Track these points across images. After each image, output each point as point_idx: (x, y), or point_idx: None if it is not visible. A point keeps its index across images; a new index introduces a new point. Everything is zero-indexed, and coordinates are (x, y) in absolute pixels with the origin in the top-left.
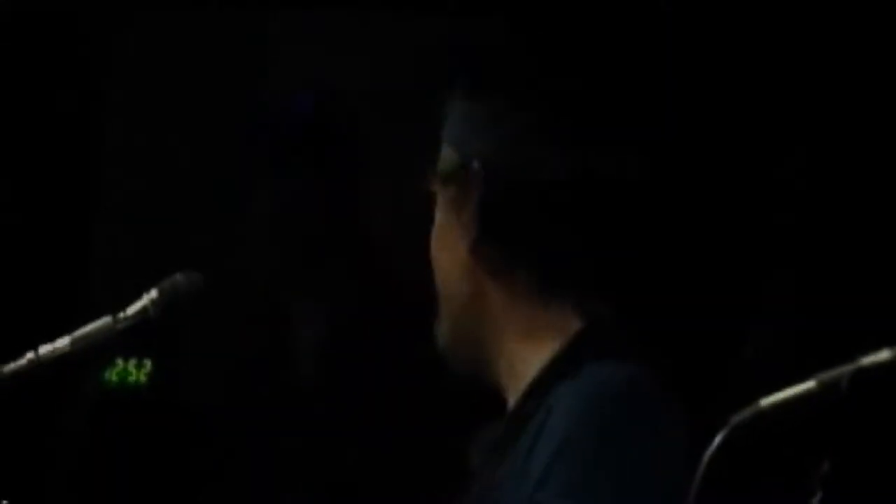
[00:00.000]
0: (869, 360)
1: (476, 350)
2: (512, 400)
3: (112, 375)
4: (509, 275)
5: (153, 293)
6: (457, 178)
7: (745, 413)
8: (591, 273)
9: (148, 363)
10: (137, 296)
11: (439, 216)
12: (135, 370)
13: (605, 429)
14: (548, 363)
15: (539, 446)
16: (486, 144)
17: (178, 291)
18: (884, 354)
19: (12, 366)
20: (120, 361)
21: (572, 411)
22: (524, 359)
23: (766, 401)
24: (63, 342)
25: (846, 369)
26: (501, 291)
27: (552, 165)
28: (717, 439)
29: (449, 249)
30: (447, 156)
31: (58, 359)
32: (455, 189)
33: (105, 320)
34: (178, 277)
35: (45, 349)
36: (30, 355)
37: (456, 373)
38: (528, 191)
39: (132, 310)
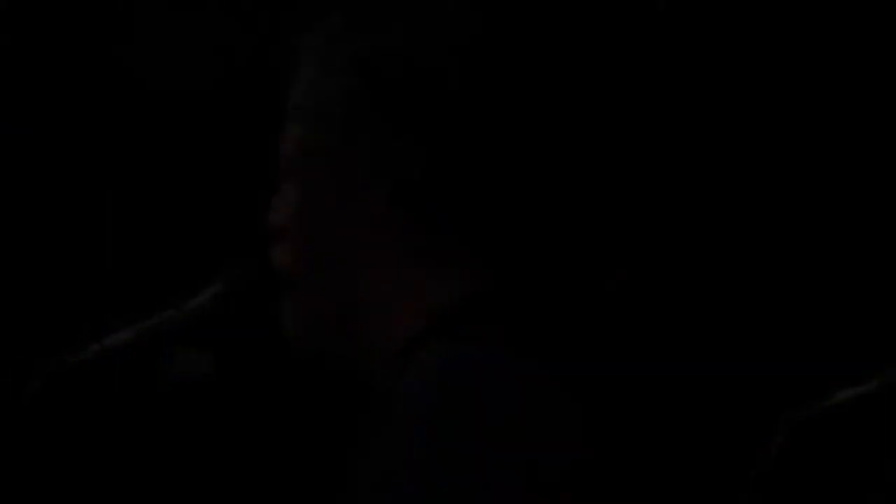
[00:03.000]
0: None
1: (347, 324)
2: (372, 376)
3: (173, 368)
4: (427, 222)
5: (217, 285)
6: (358, 120)
7: (804, 412)
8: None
9: (210, 356)
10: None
11: (326, 180)
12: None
13: (444, 429)
14: (416, 335)
15: (385, 442)
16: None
17: (242, 283)
18: None
19: (78, 357)
20: (181, 354)
21: (414, 403)
22: (396, 326)
23: (825, 401)
24: (127, 333)
25: None
26: (398, 247)
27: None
28: (777, 438)
29: (347, 209)
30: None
31: (122, 350)
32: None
33: (170, 312)
34: (238, 269)
35: (110, 340)
36: (95, 346)
37: (308, 359)
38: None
39: (196, 301)
